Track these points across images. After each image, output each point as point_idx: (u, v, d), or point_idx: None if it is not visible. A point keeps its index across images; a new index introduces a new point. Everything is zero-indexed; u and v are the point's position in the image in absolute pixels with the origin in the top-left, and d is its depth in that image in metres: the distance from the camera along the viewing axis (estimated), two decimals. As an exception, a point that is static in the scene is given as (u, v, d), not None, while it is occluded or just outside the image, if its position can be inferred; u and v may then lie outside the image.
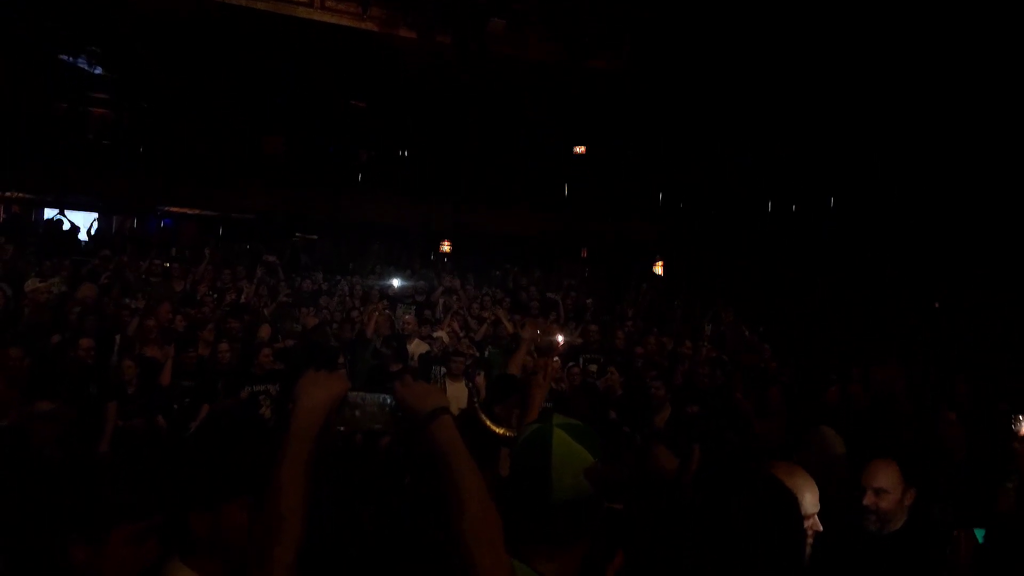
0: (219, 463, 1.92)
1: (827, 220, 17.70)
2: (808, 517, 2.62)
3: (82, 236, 16.18)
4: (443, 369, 8.78)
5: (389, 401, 1.83)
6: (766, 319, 13.48)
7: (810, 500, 2.67)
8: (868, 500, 3.09)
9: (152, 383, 7.64)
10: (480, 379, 8.81)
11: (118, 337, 8.33)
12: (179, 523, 2.22)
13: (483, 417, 2.08)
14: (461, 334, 10.42)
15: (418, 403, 1.73)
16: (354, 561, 1.46)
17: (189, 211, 19.51)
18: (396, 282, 13.71)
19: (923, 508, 3.22)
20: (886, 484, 3.18)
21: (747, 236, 18.22)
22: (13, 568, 1.98)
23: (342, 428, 1.76)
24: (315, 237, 19.17)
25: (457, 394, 8.37)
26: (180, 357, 7.88)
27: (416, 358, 9.31)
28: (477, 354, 9.94)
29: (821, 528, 2.64)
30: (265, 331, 8.97)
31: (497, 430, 1.99)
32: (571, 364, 9.55)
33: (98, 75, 18.80)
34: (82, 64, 18.38)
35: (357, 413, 1.81)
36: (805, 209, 18.66)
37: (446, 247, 20.22)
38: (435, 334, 10.21)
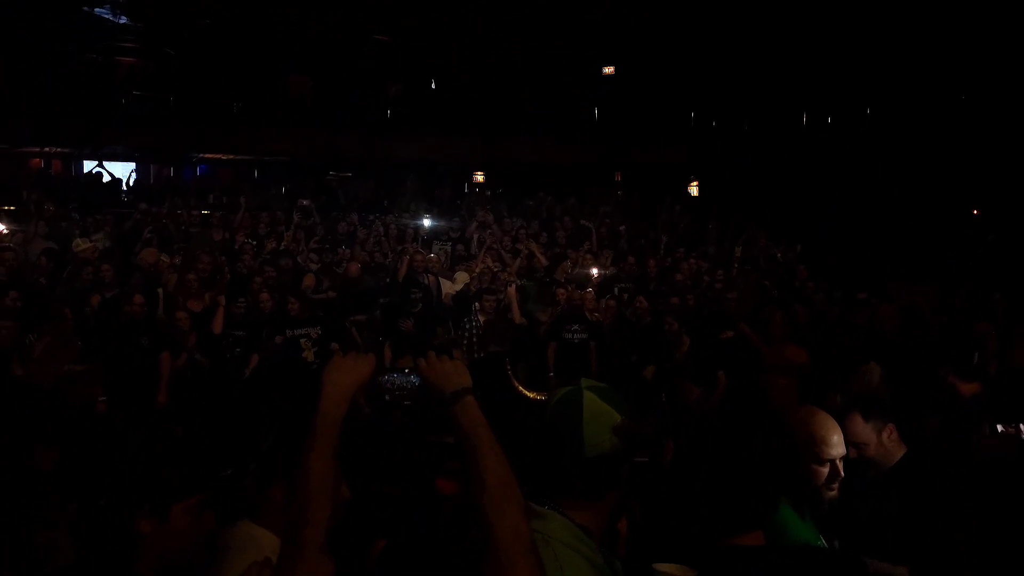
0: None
1: (864, 131, 17.28)
2: (828, 460, 2.67)
3: (118, 185, 16.42)
4: (477, 305, 8.92)
5: (415, 380, 1.92)
6: (802, 238, 13.37)
7: (835, 441, 2.70)
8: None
9: (203, 333, 7.89)
10: (511, 291, 8.95)
11: (160, 291, 8.57)
12: (258, 490, 2.40)
13: (515, 383, 2.20)
14: (496, 269, 10.51)
15: (442, 383, 1.81)
16: (381, 537, 1.56)
17: (223, 157, 19.67)
18: (429, 221, 13.81)
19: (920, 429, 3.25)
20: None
21: (782, 152, 17.90)
22: (85, 537, 2.16)
23: (368, 409, 1.85)
24: (349, 175, 19.24)
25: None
26: (227, 307, 8.08)
27: (450, 298, 9.44)
28: (518, 282, 10.07)
29: (843, 474, 2.69)
30: (309, 280, 9.15)
31: (529, 394, 2.10)
32: (608, 296, 9.63)
33: (123, 24, 18.81)
34: (106, 15, 18.38)
35: (387, 396, 1.90)
36: (841, 121, 18.22)
37: (479, 178, 20.21)
38: (458, 276, 10.32)
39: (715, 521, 2.07)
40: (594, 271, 10.75)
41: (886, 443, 3.26)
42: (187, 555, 2.09)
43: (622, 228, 14.17)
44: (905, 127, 16.37)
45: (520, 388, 2.16)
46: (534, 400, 2.09)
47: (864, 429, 3.23)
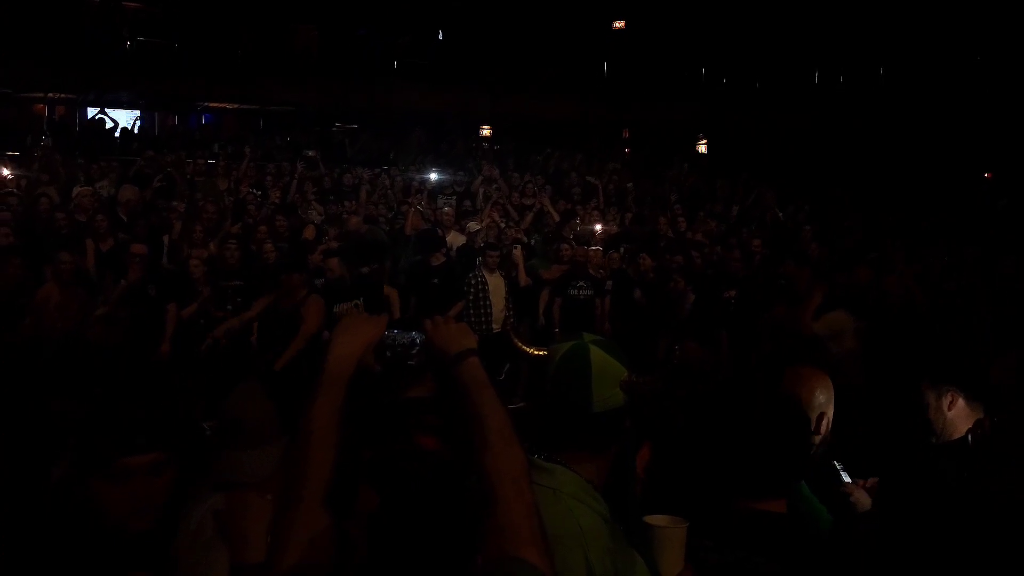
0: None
1: (877, 91, 17.08)
2: (818, 417, 2.62)
3: (123, 132, 16.32)
4: (479, 260, 8.88)
5: (419, 340, 1.91)
6: (811, 198, 13.28)
7: (820, 399, 2.62)
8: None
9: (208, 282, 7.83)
10: (517, 253, 8.90)
11: (166, 238, 8.54)
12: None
13: (516, 340, 2.17)
14: (502, 224, 10.45)
15: (446, 345, 1.77)
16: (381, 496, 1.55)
17: (228, 106, 19.52)
18: (435, 174, 13.71)
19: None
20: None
21: (793, 111, 17.71)
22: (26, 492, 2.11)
23: (378, 368, 1.84)
24: (355, 127, 19.11)
25: (495, 284, 8.51)
26: (225, 255, 7.99)
27: (455, 251, 9.39)
28: (525, 240, 10.00)
29: (824, 430, 2.61)
30: (309, 232, 9.10)
31: (530, 351, 2.08)
32: (612, 251, 9.59)
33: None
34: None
35: (388, 353, 1.89)
36: (854, 80, 18.01)
37: (486, 132, 20.04)
38: (470, 226, 10.26)
39: (736, 485, 2.07)
40: (598, 227, 10.69)
41: (945, 409, 3.02)
42: (138, 518, 1.97)
43: (629, 186, 14.08)
44: (919, 88, 16.18)
45: (521, 345, 2.14)
46: (536, 356, 2.06)
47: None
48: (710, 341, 6.59)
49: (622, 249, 9.84)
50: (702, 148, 19.87)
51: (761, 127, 18.03)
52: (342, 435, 1.65)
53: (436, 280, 8.49)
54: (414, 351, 1.88)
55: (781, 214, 12.22)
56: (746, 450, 2.13)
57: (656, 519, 1.92)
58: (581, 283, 8.69)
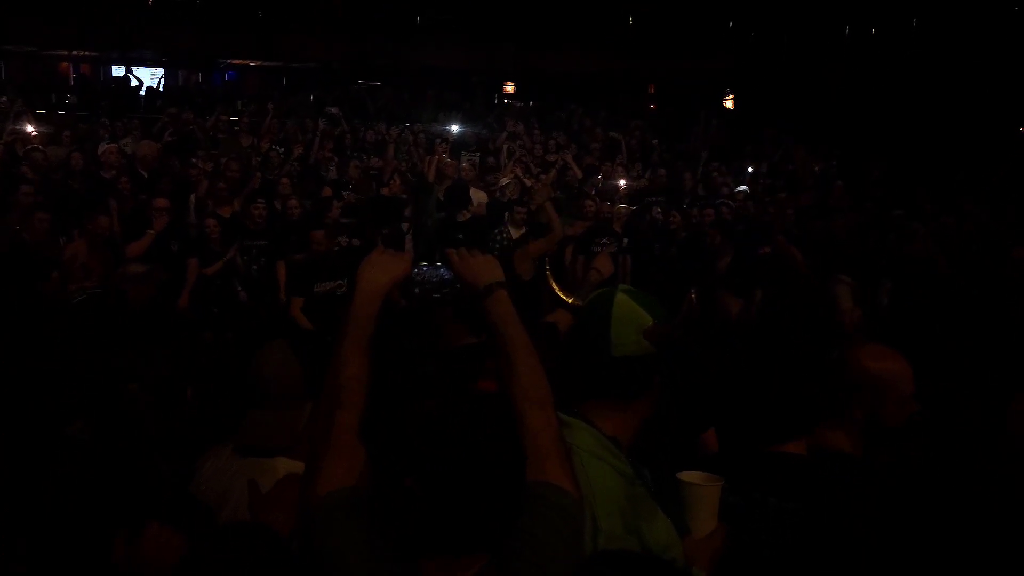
0: None
1: (909, 44, 16.64)
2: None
3: (147, 90, 16.33)
4: (507, 215, 8.82)
5: (447, 275, 1.89)
6: (840, 153, 13.04)
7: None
8: None
9: (230, 240, 7.83)
10: (549, 205, 8.76)
11: (193, 196, 8.55)
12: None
13: (554, 285, 2.15)
14: (527, 181, 10.37)
15: (474, 277, 1.80)
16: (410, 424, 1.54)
17: (251, 63, 19.45)
18: (458, 128, 13.60)
19: None
20: None
21: (823, 64, 17.33)
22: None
23: (403, 303, 1.83)
24: (378, 84, 18.99)
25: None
26: (252, 214, 7.98)
27: (478, 206, 9.33)
28: (555, 194, 9.90)
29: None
30: (327, 191, 9.08)
31: (567, 298, 2.06)
32: (635, 208, 9.49)
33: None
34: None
35: (416, 290, 1.88)
36: (885, 33, 17.56)
37: (509, 88, 19.85)
38: (502, 182, 10.18)
39: (759, 428, 2.04)
40: (622, 182, 10.58)
41: None
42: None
43: (655, 141, 13.89)
44: (952, 41, 15.74)
45: (558, 290, 2.12)
46: (572, 304, 2.04)
47: None
48: (744, 296, 6.53)
49: (650, 205, 9.72)
50: (729, 103, 19.57)
51: (790, 81, 17.67)
52: (371, 370, 1.67)
53: (461, 236, 8.45)
54: (442, 286, 1.87)
55: (818, 168, 12.02)
56: (770, 394, 2.10)
57: (689, 475, 1.87)
58: (605, 240, 8.62)
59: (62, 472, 2.05)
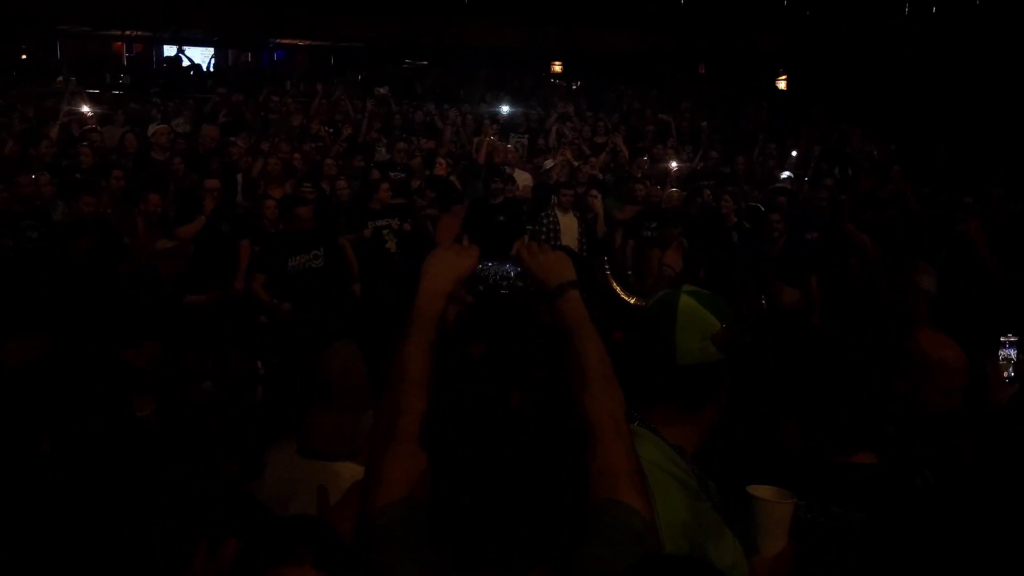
0: None
1: (971, 24, 16.10)
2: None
3: (197, 70, 16.49)
4: (554, 198, 8.73)
5: (513, 272, 1.82)
6: (898, 137, 12.69)
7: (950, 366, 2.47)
8: None
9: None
10: (597, 202, 8.64)
11: (240, 176, 8.58)
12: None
13: (615, 286, 2.06)
14: (576, 163, 10.26)
15: (545, 275, 1.72)
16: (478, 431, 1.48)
17: (300, 43, 19.52)
18: (507, 109, 13.50)
19: None
20: None
21: (881, 44, 16.85)
22: None
23: (469, 299, 1.77)
24: (425, 63, 18.95)
25: (568, 224, 8.37)
26: (301, 194, 7.96)
27: (524, 188, 9.26)
28: (600, 176, 9.79)
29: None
30: (374, 174, 9.06)
31: (629, 299, 1.98)
32: (687, 191, 9.32)
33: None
34: None
35: (481, 287, 1.81)
36: (947, 11, 17.01)
37: (557, 68, 19.66)
38: (547, 164, 10.09)
39: (827, 437, 1.96)
40: (673, 164, 10.41)
41: None
42: None
43: (704, 124, 13.66)
44: (1017, 19, 15.19)
45: (619, 291, 2.04)
46: (634, 305, 1.96)
47: None
48: (799, 284, 6.37)
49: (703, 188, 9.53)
50: (782, 84, 19.18)
51: (845, 61, 17.23)
52: (435, 366, 1.60)
53: (501, 217, 8.38)
54: (508, 283, 1.80)
55: (876, 152, 11.72)
56: (840, 403, 2.02)
57: (761, 491, 1.77)
58: (654, 224, 8.48)
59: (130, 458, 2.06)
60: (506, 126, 12.70)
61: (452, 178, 9.29)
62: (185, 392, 2.13)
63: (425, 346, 1.61)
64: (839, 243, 6.73)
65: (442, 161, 9.43)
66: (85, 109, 10.47)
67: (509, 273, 1.84)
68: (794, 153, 11.65)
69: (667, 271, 2.91)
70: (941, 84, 15.19)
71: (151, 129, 9.94)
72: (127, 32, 18.92)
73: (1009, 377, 2.87)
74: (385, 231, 7.96)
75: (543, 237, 8.33)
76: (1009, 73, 14.55)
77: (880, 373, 2.12)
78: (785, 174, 10.57)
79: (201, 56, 17.82)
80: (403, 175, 9.48)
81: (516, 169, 9.73)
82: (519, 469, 1.35)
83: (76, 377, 2.35)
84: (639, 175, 9.59)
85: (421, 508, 1.42)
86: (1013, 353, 2.89)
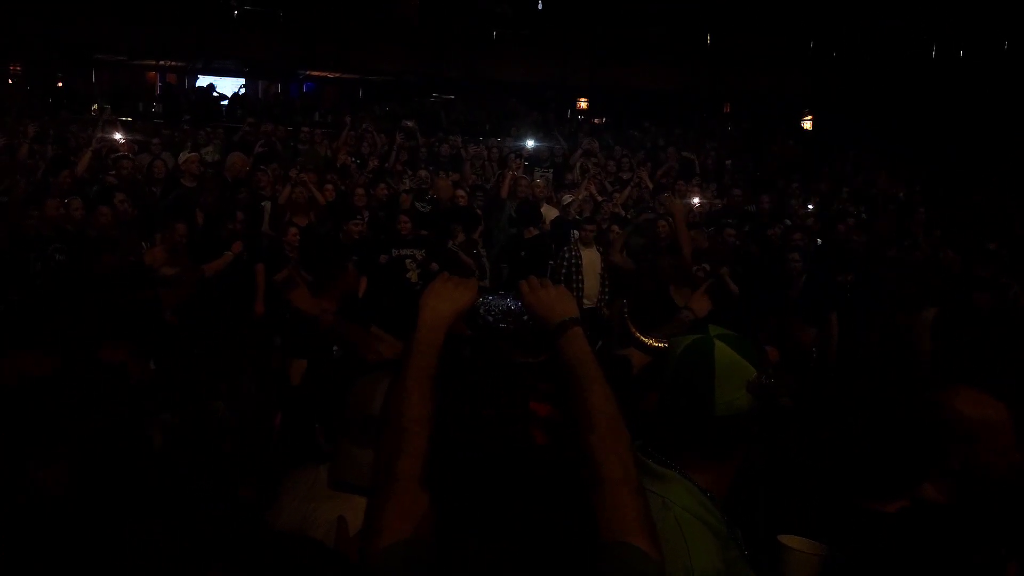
0: None
1: (999, 67, 16.05)
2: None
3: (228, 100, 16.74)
4: (576, 233, 8.74)
5: (513, 306, 1.80)
6: (925, 178, 12.63)
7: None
8: None
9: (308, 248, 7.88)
10: (617, 237, 8.62)
11: (267, 205, 8.66)
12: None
13: (633, 329, 2.01)
14: (599, 198, 10.28)
15: (547, 312, 1.68)
16: (481, 472, 1.45)
17: (329, 75, 19.79)
18: (532, 143, 13.58)
19: None
20: None
21: (908, 87, 16.82)
22: None
23: (468, 333, 1.75)
24: (452, 97, 19.14)
25: (590, 260, 8.36)
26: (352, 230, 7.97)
27: (548, 223, 9.27)
28: (622, 213, 9.79)
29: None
30: (405, 200, 9.12)
31: (648, 342, 1.92)
32: (711, 228, 9.29)
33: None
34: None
35: (480, 322, 1.80)
36: (974, 55, 16.97)
37: (583, 104, 19.78)
38: (565, 199, 10.11)
39: (859, 485, 1.92)
40: (695, 201, 10.39)
41: None
42: None
43: (728, 162, 13.66)
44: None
45: (639, 335, 1.99)
46: (656, 348, 1.91)
47: None
48: (819, 322, 6.31)
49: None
50: (807, 124, 19.17)
51: (871, 103, 17.21)
52: (435, 402, 1.56)
53: (524, 253, 8.39)
54: (508, 317, 1.77)
55: (903, 193, 11.65)
56: (871, 449, 1.98)
57: (791, 540, 1.74)
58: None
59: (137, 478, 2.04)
60: (532, 161, 12.77)
61: (478, 210, 9.32)
62: (194, 412, 2.11)
63: (425, 381, 1.58)
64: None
65: (462, 193, 9.48)
66: (117, 136, 10.65)
67: (509, 308, 1.81)
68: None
69: (686, 315, 2.83)
70: (970, 125, 15.11)
71: (181, 157, 10.06)
72: (161, 62, 19.28)
73: None
74: (408, 259, 7.99)
75: (563, 272, 8.33)
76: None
77: (928, 445, 2.05)
78: (810, 207, 10.54)
79: (232, 87, 18.12)
80: (429, 207, 9.55)
81: (544, 204, 9.76)
82: (527, 511, 1.34)
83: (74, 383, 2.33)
84: (662, 211, 9.57)
85: (424, 550, 1.40)
86: None
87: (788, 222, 9.30)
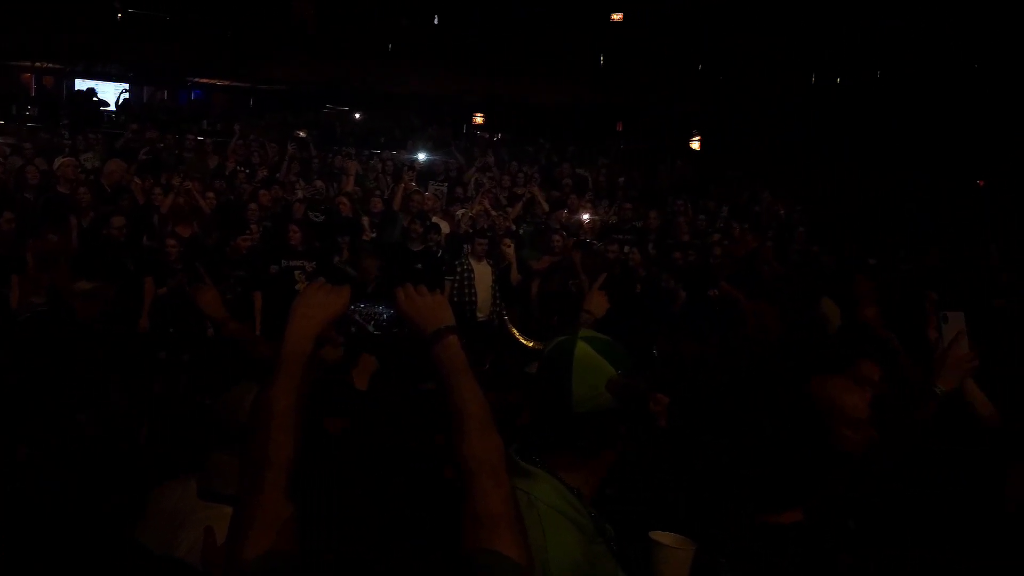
0: None
1: (873, 94, 16.99)
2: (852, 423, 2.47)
3: (110, 107, 16.11)
4: (467, 247, 8.76)
5: (387, 314, 1.79)
6: (804, 199, 13.19)
7: (852, 406, 2.50)
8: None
9: (189, 260, 7.64)
10: (510, 251, 8.71)
11: (156, 216, 8.37)
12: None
13: (513, 330, 2.03)
14: (493, 212, 10.34)
15: (422, 321, 1.66)
16: (349, 484, 1.41)
17: (219, 83, 19.29)
18: (426, 157, 13.56)
19: None
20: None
21: (789, 111, 17.60)
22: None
23: (340, 340, 1.72)
24: (346, 109, 18.95)
25: (482, 273, 8.39)
26: (231, 242, 7.78)
27: (442, 236, 9.27)
28: (513, 227, 9.87)
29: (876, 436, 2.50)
30: (298, 209, 8.96)
31: (527, 343, 1.95)
32: (601, 244, 9.46)
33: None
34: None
35: (353, 329, 1.77)
36: (850, 82, 17.92)
37: (479, 119, 19.89)
38: (459, 212, 10.14)
39: (751, 497, 1.97)
40: (586, 217, 10.59)
41: None
42: None
43: (621, 180, 13.97)
44: (915, 93, 16.09)
45: (517, 335, 2.01)
46: (532, 349, 1.94)
47: None
48: (703, 340, 6.48)
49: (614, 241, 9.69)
50: (695, 145, 19.79)
51: (756, 125, 17.92)
52: (303, 415, 1.51)
53: (419, 266, 8.36)
54: (381, 325, 1.75)
55: (783, 211, 12.13)
56: (763, 461, 2.03)
57: (661, 536, 1.76)
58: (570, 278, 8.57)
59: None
60: (425, 174, 12.73)
61: (363, 221, 9.25)
62: (56, 423, 2.01)
63: (291, 391, 1.53)
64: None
65: (344, 200, 9.39)
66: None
67: (381, 315, 1.80)
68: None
69: (584, 317, 2.87)
70: (846, 149, 15.91)
71: (57, 162, 9.61)
72: (38, 64, 18.39)
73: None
74: (297, 271, 7.85)
75: (456, 285, 8.33)
76: (908, 138, 15.35)
77: (790, 424, 2.14)
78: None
79: (114, 91, 17.43)
80: (323, 217, 9.40)
81: (436, 217, 9.74)
82: (387, 523, 1.32)
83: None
84: (557, 226, 9.70)
85: (286, 562, 1.36)
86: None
87: (670, 240, 9.56)
